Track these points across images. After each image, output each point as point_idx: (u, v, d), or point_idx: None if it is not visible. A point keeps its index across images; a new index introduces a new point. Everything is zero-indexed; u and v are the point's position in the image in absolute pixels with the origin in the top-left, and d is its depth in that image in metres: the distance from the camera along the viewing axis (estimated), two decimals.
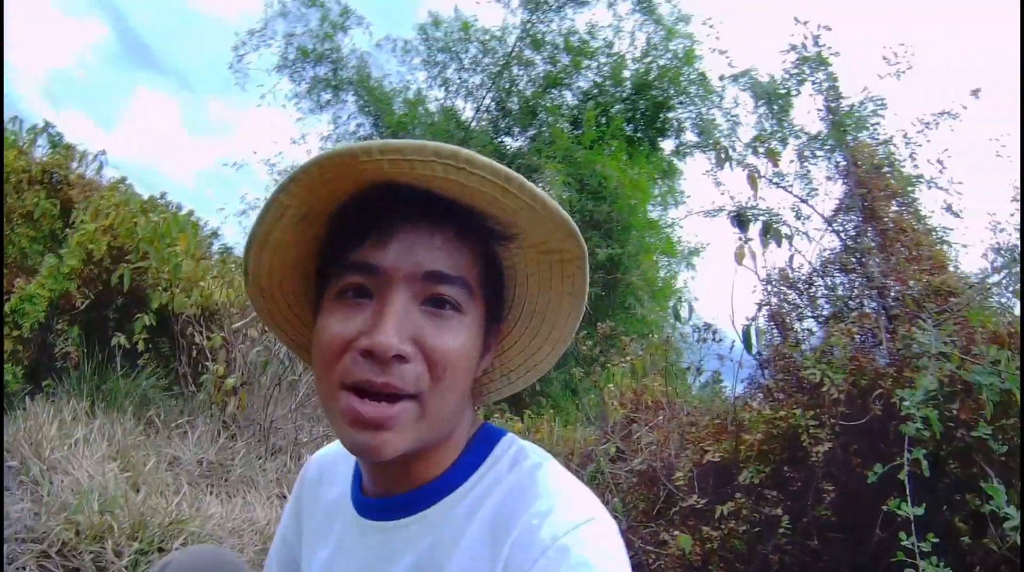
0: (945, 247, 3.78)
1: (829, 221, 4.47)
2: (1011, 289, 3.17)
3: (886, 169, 4.28)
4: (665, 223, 12.82)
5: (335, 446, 1.10)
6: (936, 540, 2.26)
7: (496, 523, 0.85)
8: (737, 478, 3.07)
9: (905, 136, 4.14)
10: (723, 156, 4.84)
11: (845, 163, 4.52)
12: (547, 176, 10.14)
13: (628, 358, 6.42)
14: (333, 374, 0.81)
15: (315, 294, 0.92)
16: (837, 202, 4.66)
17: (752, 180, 4.81)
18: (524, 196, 0.78)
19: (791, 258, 4.43)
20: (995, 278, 3.33)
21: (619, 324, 10.44)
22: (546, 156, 11.12)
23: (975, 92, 3.85)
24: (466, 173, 0.75)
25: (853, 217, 4.23)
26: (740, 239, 4.82)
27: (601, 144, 11.60)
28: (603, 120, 12.14)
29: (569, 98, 13.70)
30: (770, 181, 4.91)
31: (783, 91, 5.28)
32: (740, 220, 4.75)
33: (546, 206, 0.79)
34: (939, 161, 3.91)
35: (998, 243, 3.58)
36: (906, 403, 2.42)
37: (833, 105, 4.46)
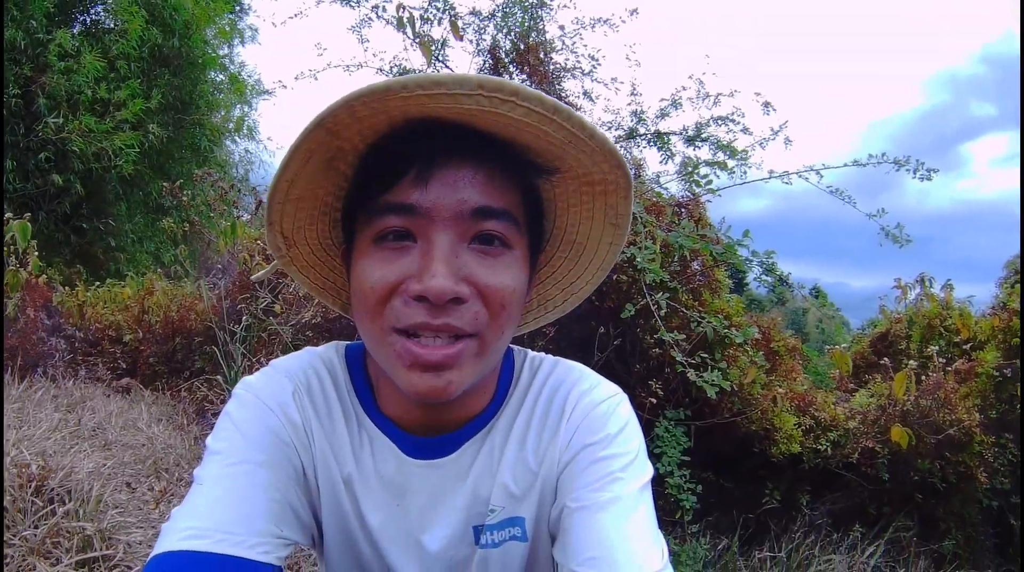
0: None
1: None
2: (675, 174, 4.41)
3: (543, 55, 5.15)
4: (233, 62, 11.99)
5: (292, 377, 0.95)
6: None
7: (545, 416, 0.95)
8: None
9: (562, 28, 5.02)
10: (404, 21, 5.09)
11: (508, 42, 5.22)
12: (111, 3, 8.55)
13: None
14: (381, 319, 0.78)
15: (342, 237, 0.90)
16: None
17: (426, 49, 5.22)
18: (572, 127, 0.73)
19: None
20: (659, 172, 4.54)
21: (193, 166, 9.95)
22: None
23: (633, 11, 4.91)
24: (511, 105, 0.70)
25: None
26: None
27: None
28: None
29: None
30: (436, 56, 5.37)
31: None
32: None
33: (594, 136, 0.75)
34: (592, 56, 4.94)
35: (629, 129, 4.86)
36: (638, 260, 3.36)
37: None
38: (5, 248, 4.45)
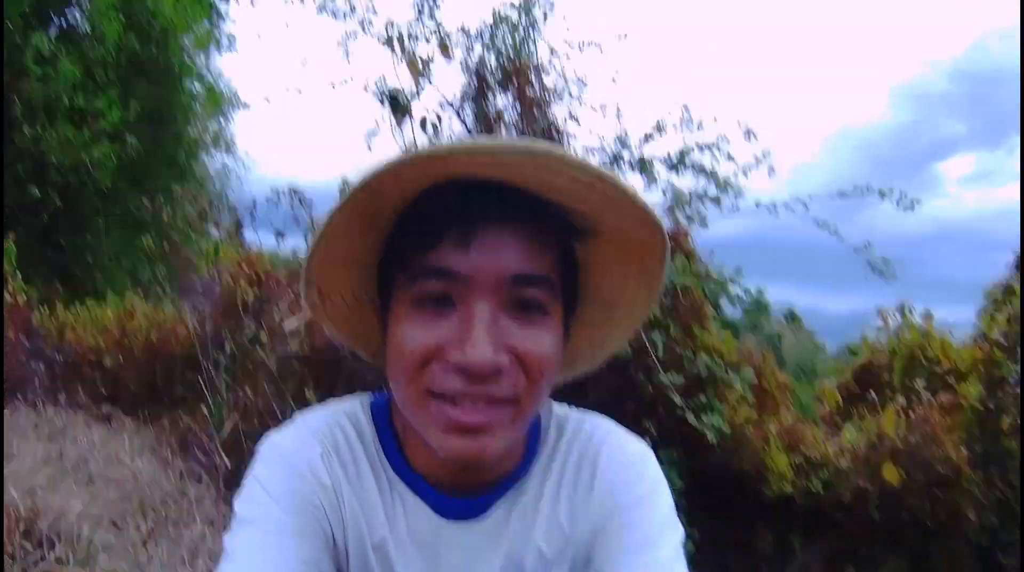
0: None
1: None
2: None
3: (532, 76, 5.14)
4: (210, 71, 11.82)
5: (319, 436, 0.93)
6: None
7: (576, 476, 0.93)
8: None
9: (553, 51, 5.03)
10: (393, 40, 5.06)
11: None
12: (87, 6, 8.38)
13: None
14: (420, 383, 0.77)
15: (375, 290, 0.89)
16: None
17: (413, 68, 5.20)
18: (616, 193, 0.73)
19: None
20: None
21: (171, 181, 9.83)
22: None
23: (622, 35, 4.94)
24: (557, 172, 0.70)
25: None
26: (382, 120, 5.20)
27: None
28: None
29: None
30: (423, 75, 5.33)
31: None
32: (395, 103, 5.14)
33: (635, 202, 0.74)
34: (580, 79, 4.96)
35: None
36: None
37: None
38: None
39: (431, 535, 0.92)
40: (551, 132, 4.87)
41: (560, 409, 1.01)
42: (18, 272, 5.00)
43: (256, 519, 0.83)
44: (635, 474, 0.92)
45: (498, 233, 0.76)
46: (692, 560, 2.68)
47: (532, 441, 0.96)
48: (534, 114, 5.09)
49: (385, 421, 0.96)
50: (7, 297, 4.89)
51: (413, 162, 0.70)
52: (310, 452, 0.90)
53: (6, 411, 5.01)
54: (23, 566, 2.69)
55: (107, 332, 6.57)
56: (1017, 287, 4.32)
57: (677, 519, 0.92)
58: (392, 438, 0.94)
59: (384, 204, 0.78)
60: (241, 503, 0.85)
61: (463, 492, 0.91)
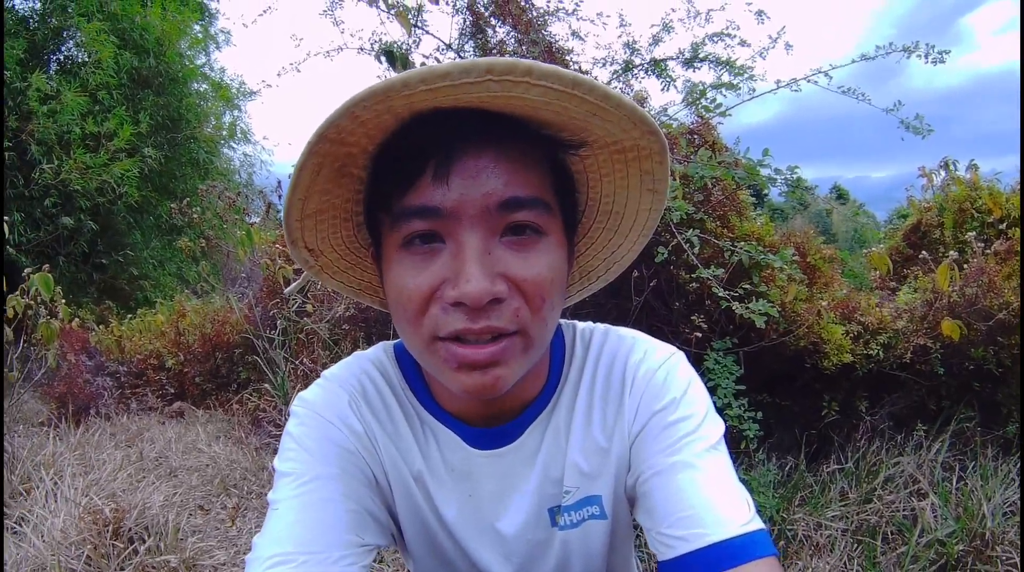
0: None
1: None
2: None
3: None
4: (213, 69, 11.89)
5: (346, 386, 0.96)
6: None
7: (606, 391, 0.94)
8: None
9: None
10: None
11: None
12: (81, 36, 8.49)
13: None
14: (422, 329, 0.76)
15: (367, 236, 0.88)
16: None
17: (403, 19, 5.11)
18: (596, 99, 0.68)
19: None
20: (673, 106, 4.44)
21: (196, 181, 9.99)
22: (78, 14, 9.19)
23: None
24: (526, 86, 0.65)
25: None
26: (383, 78, 5.14)
27: None
28: None
29: None
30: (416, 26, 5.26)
31: None
32: (390, 56, 5.08)
33: (621, 106, 0.70)
34: None
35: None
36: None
37: None
38: (32, 301, 4.51)
39: (465, 465, 0.94)
40: (552, 52, 4.74)
41: (584, 326, 1.01)
42: (61, 298, 5.13)
43: (294, 471, 0.86)
44: (664, 380, 0.92)
45: (477, 159, 0.72)
46: (760, 440, 2.68)
47: (557, 362, 0.96)
48: (532, 38, 4.97)
49: (409, 362, 0.97)
50: (58, 325, 5.02)
51: (367, 99, 0.64)
52: (338, 402, 0.93)
53: (81, 429, 5.20)
54: (118, 564, 2.80)
55: (163, 335, 6.80)
56: None
57: (715, 415, 0.91)
58: (418, 378, 0.96)
59: (352, 151, 0.74)
60: (280, 460, 0.89)
61: (492, 421, 0.93)
